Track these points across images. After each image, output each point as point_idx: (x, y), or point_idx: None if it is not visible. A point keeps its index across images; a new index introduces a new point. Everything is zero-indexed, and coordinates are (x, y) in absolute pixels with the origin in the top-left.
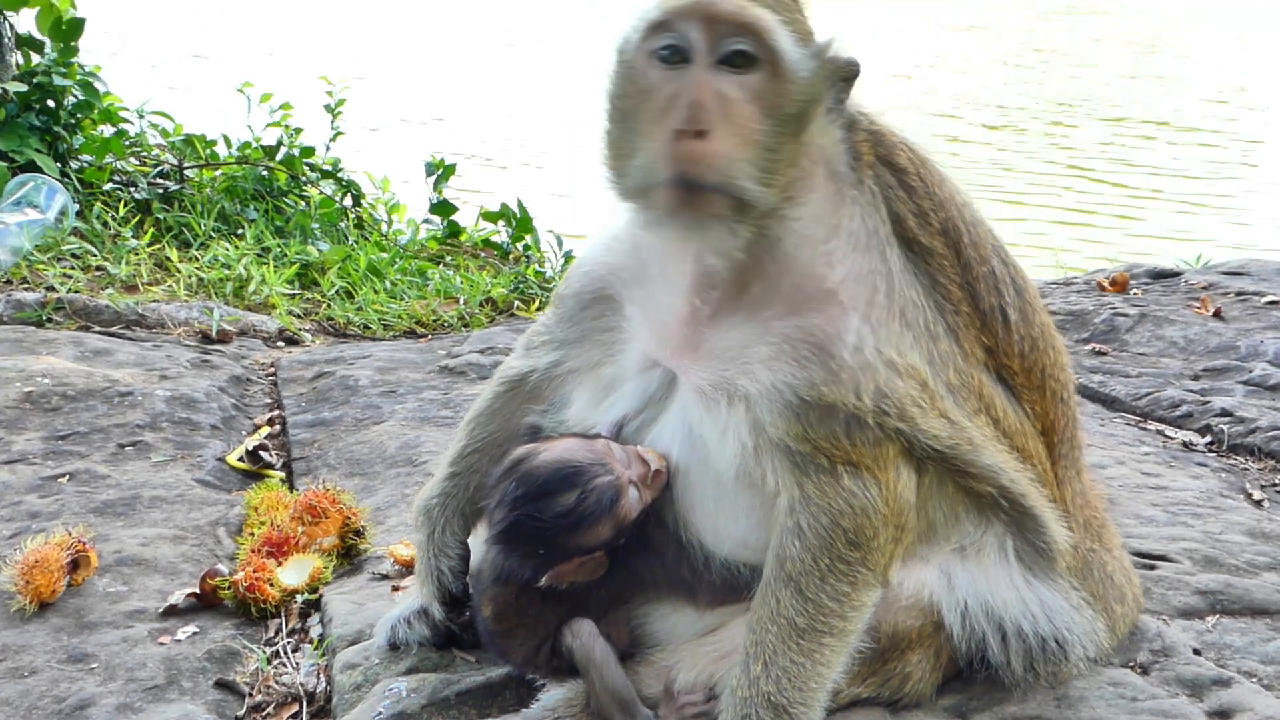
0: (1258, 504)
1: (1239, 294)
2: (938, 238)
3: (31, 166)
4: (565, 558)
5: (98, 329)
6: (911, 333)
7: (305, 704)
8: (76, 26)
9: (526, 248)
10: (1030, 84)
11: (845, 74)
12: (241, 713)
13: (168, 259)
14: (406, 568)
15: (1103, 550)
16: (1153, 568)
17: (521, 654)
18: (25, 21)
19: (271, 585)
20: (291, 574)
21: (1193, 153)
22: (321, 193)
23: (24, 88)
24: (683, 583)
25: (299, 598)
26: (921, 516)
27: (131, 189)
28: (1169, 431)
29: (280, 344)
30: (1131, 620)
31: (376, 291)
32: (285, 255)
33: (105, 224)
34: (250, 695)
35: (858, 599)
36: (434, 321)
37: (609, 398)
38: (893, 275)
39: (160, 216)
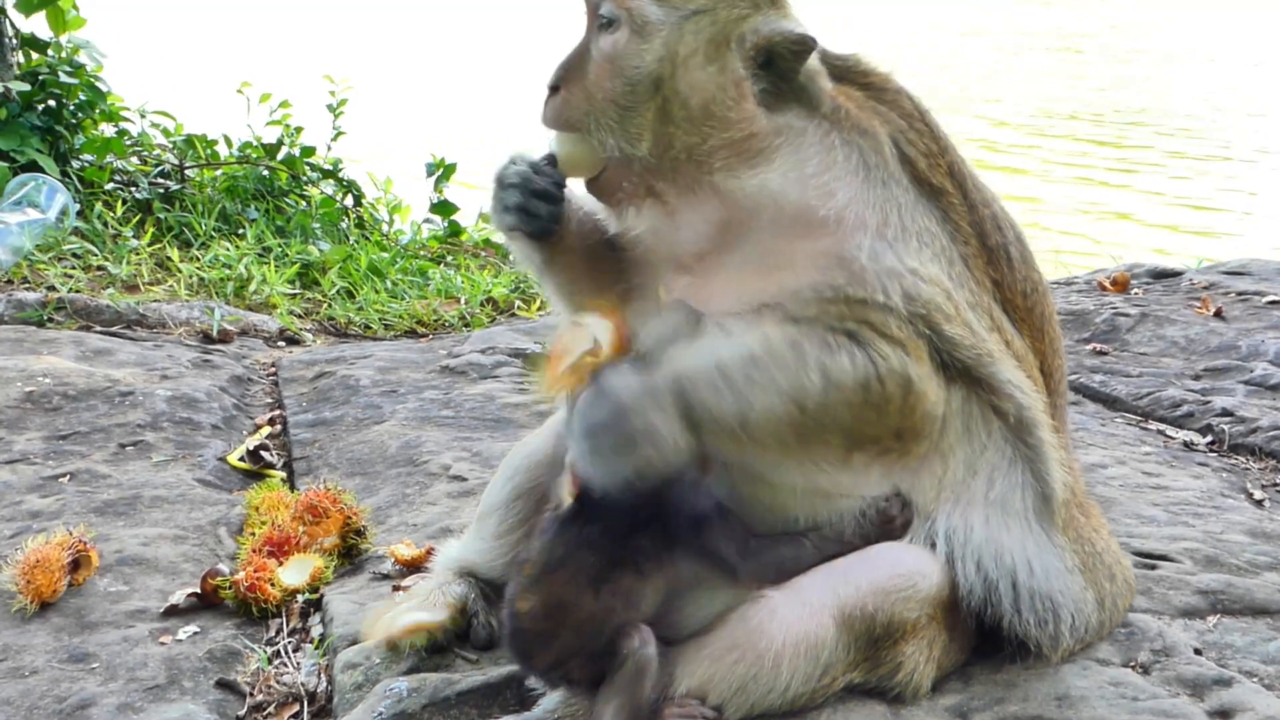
0: (1259, 504)
1: (1240, 294)
2: (946, 179)
3: (33, 166)
4: None
5: (99, 329)
6: (930, 250)
7: (306, 704)
8: (71, 24)
9: None
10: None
11: (781, 44)
12: (242, 712)
13: (168, 259)
14: (408, 567)
15: (1088, 526)
16: (1154, 567)
17: (552, 658)
18: (30, 21)
19: (272, 585)
20: (292, 574)
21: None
22: (322, 192)
23: (26, 87)
24: (724, 562)
25: (300, 597)
26: (948, 431)
27: (132, 189)
28: (1170, 431)
29: (281, 344)
30: (1124, 604)
31: (377, 291)
32: (286, 255)
33: (106, 224)
34: (251, 695)
35: None
36: (435, 321)
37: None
38: (904, 205)
39: (161, 216)
